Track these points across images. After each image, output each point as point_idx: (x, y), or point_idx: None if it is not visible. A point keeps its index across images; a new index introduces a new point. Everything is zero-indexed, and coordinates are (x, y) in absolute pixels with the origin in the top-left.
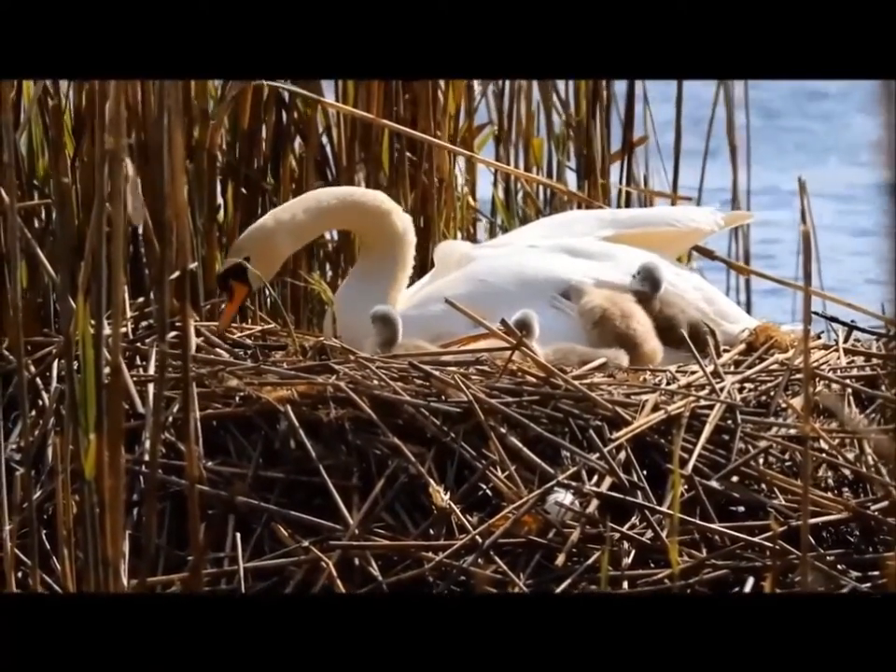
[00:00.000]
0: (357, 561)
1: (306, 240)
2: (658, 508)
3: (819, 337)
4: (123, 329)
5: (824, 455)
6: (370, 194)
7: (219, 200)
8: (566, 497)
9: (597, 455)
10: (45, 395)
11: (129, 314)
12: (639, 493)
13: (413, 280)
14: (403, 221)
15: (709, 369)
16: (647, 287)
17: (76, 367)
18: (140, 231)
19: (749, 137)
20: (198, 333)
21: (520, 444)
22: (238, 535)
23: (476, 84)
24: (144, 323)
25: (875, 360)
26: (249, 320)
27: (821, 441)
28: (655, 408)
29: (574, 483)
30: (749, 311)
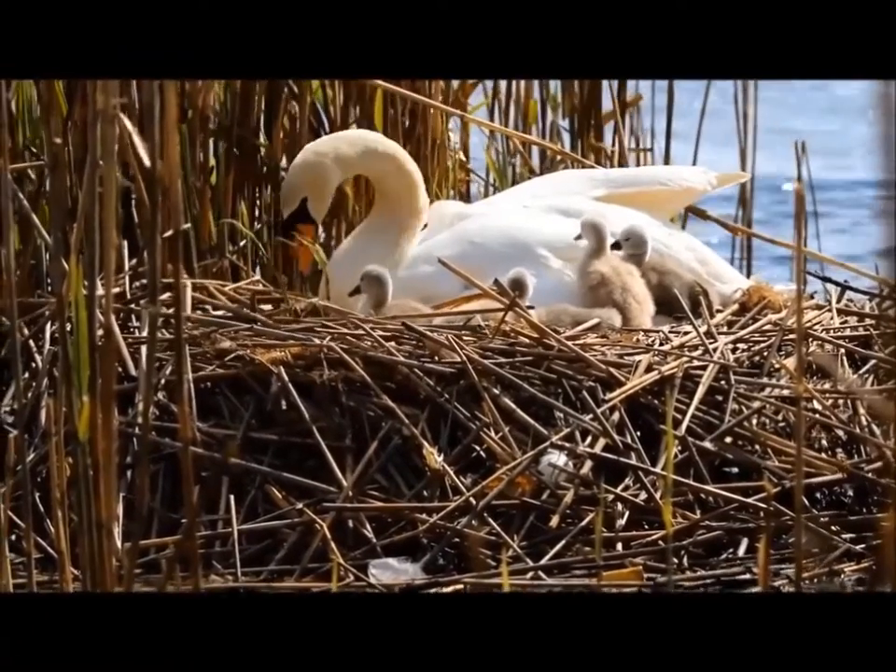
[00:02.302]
0: (350, 523)
1: (349, 174)
2: (652, 469)
3: (812, 297)
4: (118, 290)
5: (818, 415)
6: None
7: (212, 160)
8: (559, 459)
9: (591, 416)
10: (38, 357)
11: (123, 275)
12: (633, 454)
13: None
14: (421, 182)
15: (702, 329)
16: (639, 250)
17: (69, 329)
18: (133, 194)
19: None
20: (198, 288)
21: (513, 405)
22: (232, 497)
23: None
24: (137, 284)
25: (868, 320)
26: (242, 279)
27: (815, 402)
28: (648, 369)
29: (568, 445)
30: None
